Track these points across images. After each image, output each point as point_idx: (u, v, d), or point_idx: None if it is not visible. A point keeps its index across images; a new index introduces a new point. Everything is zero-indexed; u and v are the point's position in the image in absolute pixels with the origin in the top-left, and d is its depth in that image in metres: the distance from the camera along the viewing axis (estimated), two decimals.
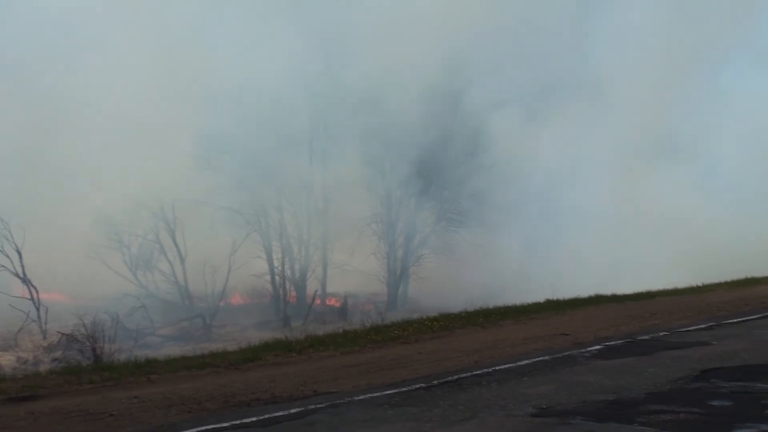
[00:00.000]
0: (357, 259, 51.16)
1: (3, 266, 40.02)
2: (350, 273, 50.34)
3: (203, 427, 11.53)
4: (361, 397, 13.01)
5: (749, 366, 14.30)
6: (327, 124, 51.06)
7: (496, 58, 52.39)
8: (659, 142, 51.20)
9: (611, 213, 47.88)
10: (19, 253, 40.18)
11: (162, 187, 43.87)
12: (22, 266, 40.44)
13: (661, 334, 17.96)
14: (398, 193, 54.44)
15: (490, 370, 14.69)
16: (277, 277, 50.47)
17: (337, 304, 50.29)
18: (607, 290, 27.10)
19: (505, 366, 15.00)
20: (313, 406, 12.51)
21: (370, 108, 48.75)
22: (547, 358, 15.59)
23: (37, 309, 39.59)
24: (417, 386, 13.66)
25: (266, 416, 12.05)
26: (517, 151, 50.86)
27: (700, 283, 28.85)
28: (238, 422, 11.74)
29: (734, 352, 15.53)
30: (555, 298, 25.58)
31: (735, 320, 19.60)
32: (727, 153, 50.73)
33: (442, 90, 50.95)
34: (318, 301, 50.02)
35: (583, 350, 16.22)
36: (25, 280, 40.54)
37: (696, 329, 18.44)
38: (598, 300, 25.00)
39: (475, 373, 14.48)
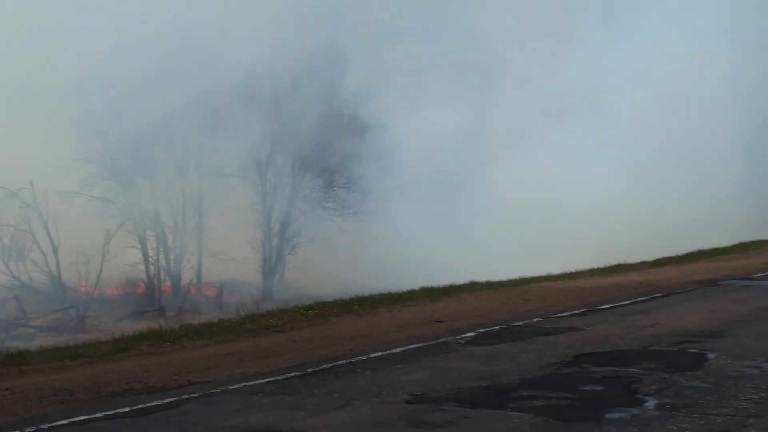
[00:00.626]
0: (232, 248, 50.88)
1: None
2: (225, 262, 50.03)
3: (76, 418, 11.35)
4: (235, 386, 12.93)
5: (620, 351, 14.54)
6: (201, 112, 50.66)
7: (374, 41, 52.30)
8: (552, 115, 51.29)
9: (504, 195, 48.00)
10: None
11: (34, 177, 43.27)
12: None
13: (534, 320, 18.17)
14: (273, 182, 54.29)
15: (364, 357, 14.71)
16: (151, 267, 50.04)
17: (213, 294, 50.04)
18: (499, 276, 27.40)
19: (380, 353, 15.03)
20: (186, 396, 12.40)
21: (245, 95, 48.52)
22: (421, 345, 15.65)
23: None
24: (291, 374, 13.62)
25: (139, 406, 11.91)
26: (399, 136, 50.87)
27: (573, 270, 29.25)
28: (111, 413, 11.58)
29: (606, 337, 15.78)
30: (430, 286, 25.70)
31: (607, 306, 19.92)
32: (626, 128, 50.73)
33: (317, 76, 50.89)
34: (193, 291, 49.69)
35: (457, 337, 16.32)
36: None
37: (569, 315, 18.68)
38: (472, 287, 25.19)
39: (350, 360, 14.49)
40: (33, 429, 10.86)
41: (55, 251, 45.74)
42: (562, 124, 50.36)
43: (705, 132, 48.84)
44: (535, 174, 47.68)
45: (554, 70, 50.90)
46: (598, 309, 19.48)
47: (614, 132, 49.31)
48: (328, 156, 54.97)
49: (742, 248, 35.75)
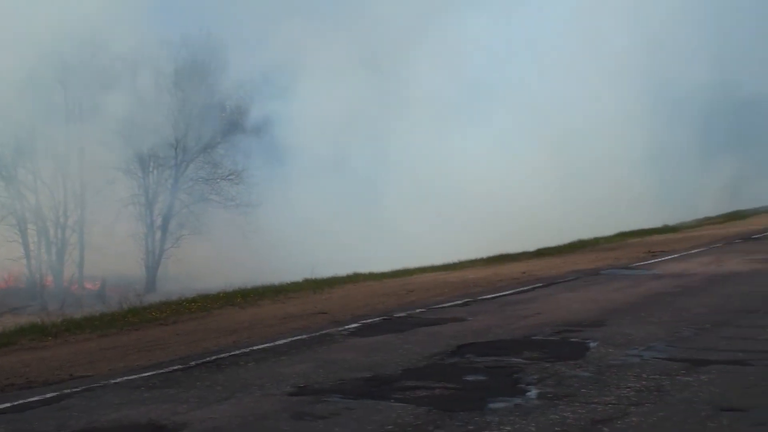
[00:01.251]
0: (115, 241, 50.44)
1: None
2: (108, 256, 49.54)
3: None
4: (118, 380, 12.78)
5: (502, 341, 14.64)
6: (83, 104, 50.07)
7: (256, 32, 52.11)
8: (440, 108, 51.42)
9: (397, 182, 48.08)
10: None
11: None
12: None
13: (417, 310, 18.22)
14: (156, 174, 53.91)
15: (248, 350, 14.63)
16: (33, 261, 49.34)
17: (95, 288, 49.51)
18: (392, 265, 27.47)
19: (264, 346, 14.96)
20: (68, 391, 12.22)
21: (126, 87, 48.08)
22: (304, 336, 15.62)
23: None
24: (174, 368, 13.49)
25: (21, 401, 11.71)
26: (284, 127, 50.74)
27: (456, 260, 29.43)
28: None
29: (488, 327, 15.89)
30: (313, 277, 25.68)
31: (489, 296, 20.06)
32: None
33: (200, 67, 50.60)
34: (75, 285, 49.13)
35: (340, 328, 16.32)
36: None
37: (452, 305, 18.77)
38: (356, 278, 25.22)
39: (233, 353, 14.40)
40: None
41: None
42: (454, 117, 50.61)
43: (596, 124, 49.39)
44: (426, 163, 47.88)
45: (437, 64, 51.16)
46: (481, 299, 19.62)
47: (507, 125, 49.66)
48: (210, 148, 54.73)
49: (621, 237, 36.30)
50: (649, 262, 26.53)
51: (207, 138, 54.20)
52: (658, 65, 53.26)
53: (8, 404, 11.60)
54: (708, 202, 50.94)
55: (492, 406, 10.63)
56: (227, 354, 14.36)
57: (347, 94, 50.89)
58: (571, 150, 47.86)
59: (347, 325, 16.73)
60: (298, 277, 25.85)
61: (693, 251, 29.21)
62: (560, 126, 49.07)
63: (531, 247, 31.86)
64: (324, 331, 16.10)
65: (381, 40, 51.78)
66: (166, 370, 13.39)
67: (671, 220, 43.44)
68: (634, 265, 25.88)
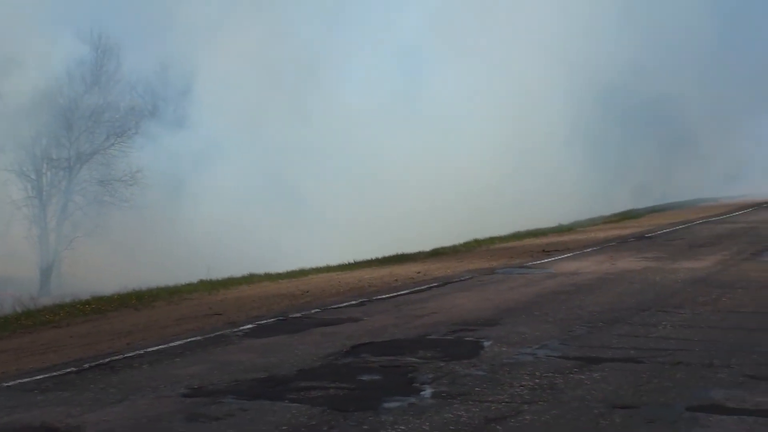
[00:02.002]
0: (8, 243, 49.76)
1: None
2: (2, 258, 48.84)
3: None
4: (10, 383, 12.58)
5: (397, 340, 14.68)
6: None
7: (151, 29, 51.69)
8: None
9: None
10: None
11: None
12: None
13: (313, 311, 18.20)
14: (49, 176, 53.27)
15: (142, 351, 14.49)
16: None
17: None
18: (287, 265, 27.42)
19: (158, 347, 14.83)
20: None
21: (17, 88, 47.44)
22: (199, 338, 15.51)
23: None
24: (68, 370, 13.31)
25: None
26: (179, 128, 50.38)
27: (352, 260, 29.45)
28: None
29: (383, 327, 15.92)
30: (209, 278, 25.55)
31: (385, 296, 20.09)
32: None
33: (92, 68, 50.10)
34: None
35: (235, 329, 16.23)
36: None
37: (347, 306, 18.78)
38: (251, 279, 25.13)
39: (127, 355, 14.25)
40: None
41: None
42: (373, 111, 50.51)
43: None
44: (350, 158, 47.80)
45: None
46: (376, 299, 19.65)
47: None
48: (104, 149, 54.22)
49: (517, 237, 36.60)
50: (544, 261, 26.78)
51: (101, 139, 53.75)
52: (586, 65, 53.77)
53: None
54: (608, 202, 51.52)
55: (386, 405, 10.66)
56: (121, 356, 14.21)
57: (253, 89, 50.68)
58: (485, 151, 48.02)
59: (242, 326, 16.65)
60: (196, 279, 25.70)
61: (587, 250, 29.55)
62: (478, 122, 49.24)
63: (427, 246, 31.99)
64: (219, 332, 16.00)
65: (293, 35, 51.63)
66: (60, 372, 13.21)
67: (566, 220, 43.89)
68: (529, 264, 26.11)
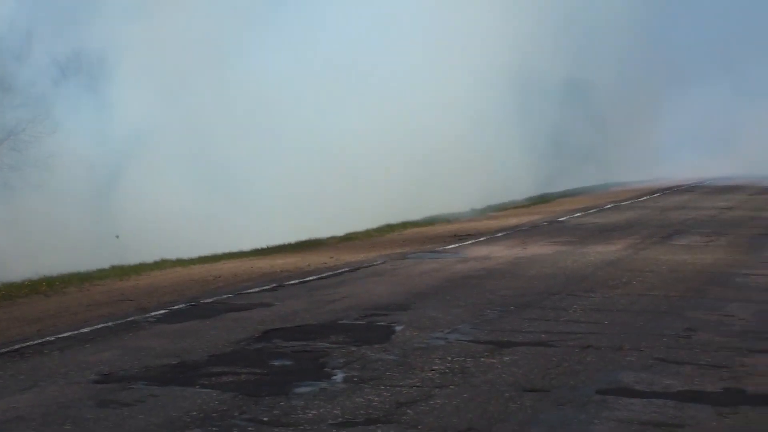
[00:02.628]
0: None
1: None
2: None
3: None
4: None
5: (309, 326, 14.68)
6: None
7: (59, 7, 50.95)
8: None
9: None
10: None
11: None
12: None
13: (224, 296, 18.11)
14: None
15: (52, 338, 14.32)
16: None
17: None
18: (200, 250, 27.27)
19: (69, 334, 14.66)
20: None
21: None
22: (110, 324, 15.36)
23: None
24: None
25: None
26: (92, 111, 49.71)
27: (264, 245, 29.36)
28: None
29: (295, 312, 15.90)
30: (120, 264, 25.32)
31: (297, 281, 20.05)
32: None
33: (6, 49, 49.42)
34: None
35: (146, 315, 16.10)
36: None
37: (259, 291, 18.72)
38: (163, 264, 24.95)
39: (37, 341, 14.07)
40: None
41: None
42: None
43: None
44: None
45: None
46: (288, 284, 19.60)
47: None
48: (15, 135, 53.49)
49: (429, 222, 36.73)
50: (456, 246, 26.88)
51: (12, 124, 53.00)
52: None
53: None
54: (521, 186, 51.70)
55: (298, 390, 10.67)
56: (31, 342, 14.03)
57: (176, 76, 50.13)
58: (408, 135, 47.85)
59: (154, 311, 16.52)
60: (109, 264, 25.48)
61: (499, 235, 29.72)
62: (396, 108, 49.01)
63: (339, 231, 31.99)
64: (130, 319, 15.87)
65: (219, 22, 51.08)
66: None
67: (479, 205, 44.03)
68: (441, 249, 26.21)
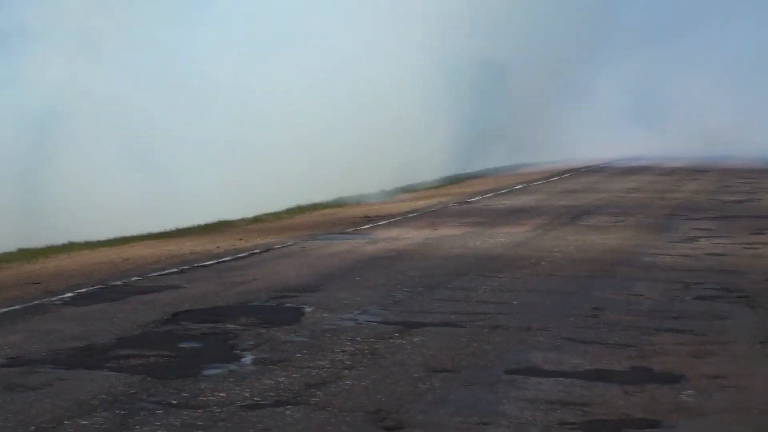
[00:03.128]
0: None
1: None
2: None
3: None
4: None
5: (218, 308, 14.63)
6: None
7: None
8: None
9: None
10: None
11: None
12: None
13: (133, 279, 17.97)
14: None
15: None
16: None
17: None
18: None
19: None
20: None
21: None
22: (17, 307, 15.15)
23: None
24: None
25: None
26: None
27: (173, 228, 29.13)
28: None
29: (204, 294, 15.83)
30: (28, 247, 24.98)
31: (206, 263, 19.95)
32: None
33: None
34: None
35: (54, 298, 15.90)
36: None
37: (168, 273, 18.59)
38: (71, 247, 24.65)
39: None
40: None
41: None
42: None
43: None
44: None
45: None
46: (197, 266, 19.49)
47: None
48: None
49: (339, 203, 36.70)
50: (366, 227, 26.90)
51: None
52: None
53: None
54: (432, 167, 51.68)
55: (207, 372, 10.65)
56: None
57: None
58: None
59: (61, 294, 16.33)
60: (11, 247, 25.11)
61: (408, 216, 29.79)
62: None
63: (249, 213, 31.82)
64: (37, 302, 15.67)
65: None
66: None
67: (390, 186, 44.01)
68: (351, 230, 26.21)
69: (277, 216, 32.02)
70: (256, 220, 30.79)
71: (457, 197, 36.96)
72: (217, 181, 41.82)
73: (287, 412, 9.29)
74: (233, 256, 21.04)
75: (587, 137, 67.34)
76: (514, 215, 29.20)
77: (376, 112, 48.84)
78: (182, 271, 18.82)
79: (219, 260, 20.44)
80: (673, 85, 76.86)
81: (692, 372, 10.92)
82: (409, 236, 24.20)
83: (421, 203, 34.87)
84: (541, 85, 68.00)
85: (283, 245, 22.93)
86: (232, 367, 10.94)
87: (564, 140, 65.93)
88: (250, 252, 21.77)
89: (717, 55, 76.13)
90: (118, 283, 17.51)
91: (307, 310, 14.37)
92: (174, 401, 9.63)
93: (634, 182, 42.32)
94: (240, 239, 24.54)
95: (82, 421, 9.12)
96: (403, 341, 12.22)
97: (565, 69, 70.60)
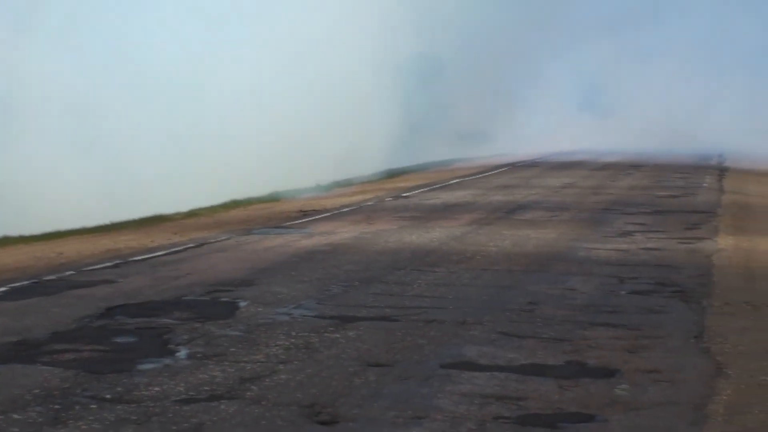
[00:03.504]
0: None
1: None
2: None
3: None
4: None
5: (153, 302, 14.55)
6: None
7: None
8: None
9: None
10: None
11: None
12: None
13: (67, 273, 17.82)
14: None
15: None
16: None
17: None
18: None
19: None
20: None
21: None
22: None
23: None
24: None
25: None
26: None
27: (109, 222, 28.94)
28: None
29: (139, 289, 15.75)
30: None
31: (141, 258, 19.83)
32: None
33: None
34: None
35: None
36: None
37: (103, 268, 18.46)
38: (5, 241, 24.46)
39: None
40: None
41: None
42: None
43: None
44: None
45: None
46: (132, 261, 19.37)
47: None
48: None
49: (275, 198, 36.63)
50: (302, 221, 26.86)
51: None
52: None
53: None
54: (368, 162, 51.64)
55: (141, 367, 10.62)
56: None
57: None
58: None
59: None
60: None
61: (344, 210, 29.78)
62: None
63: (183, 207, 31.65)
64: None
65: None
66: None
67: (326, 180, 43.96)
68: (286, 224, 26.16)
69: (212, 210, 31.90)
70: (192, 214, 30.65)
71: (393, 192, 36.99)
72: (153, 174, 41.56)
73: (222, 407, 9.29)
74: (168, 251, 20.93)
75: (532, 131, 67.37)
76: (449, 210, 29.28)
77: (311, 107, 48.78)
78: (117, 266, 18.69)
79: (154, 255, 20.32)
80: (631, 76, 76.56)
81: (627, 366, 11.05)
82: (345, 231, 24.20)
83: (357, 198, 34.88)
84: (486, 78, 67.88)
85: (219, 239, 22.85)
86: (167, 361, 10.91)
87: (506, 134, 65.88)
88: (185, 246, 21.67)
89: (678, 46, 75.79)
90: (53, 277, 17.37)
91: (242, 304, 14.36)
92: (108, 396, 9.59)
93: (569, 177, 42.56)
94: (175, 233, 24.43)
95: (15, 416, 9.06)
96: (338, 335, 12.24)
97: (514, 61, 70.40)
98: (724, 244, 22.14)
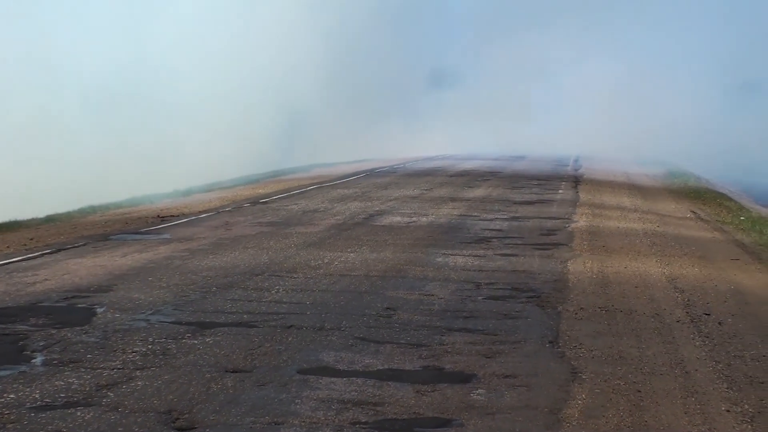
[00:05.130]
0: None
1: None
2: None
3: None
4: None
5: (8, 308, 14.35)
6: None
7: None
8: None
9: None
10: None
11: None
12: None
13: None
14: None
15: None
16: None
17: None
18: None
19: None
20: None
21: None
22: None
23: None
24: None
25: None
26: None
27: None
28: None
29: None
30: None
31: None
32: None
33: None
34: None
35: None
36: None
37: None
38: None
39: None
40: None
41: None
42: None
43: None
44: None
45: None
46: None
47: None
48: None
49: (133, 203, 36.28)
50: (160, 226, 26.66)
51: None
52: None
53: None
54: (227, 168, 51.40)
55: None
56: None
57: None
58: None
59: None
60: None
61: (202, 215, 29.63)
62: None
63: (40, 213, 31.18)
64: None
65: None
66: None
67: (184, 185, 43.62)
68: (144, 230, 25.95)
69: (69, 215, 31.47)
70: (49, 220, 30.18)
71: (252, 198, 36.91)
72: (8, 179, 40.83)
73: (78, 414, 9.24)
74: (24, 256, 20.62)
75: (404, 136, 67.44)
76: (308, 215, 29.34)
77: (173, 114, 48.51)
78: None
79: (9, 260, 19.99)
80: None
81: (483, 371, 11.26)
82: (203, 236, 24.11)
83: (216, 203, 34.72)
84: (370, 79, 67.91)
85: (75, 245, 22.58)
86: (22, 368, 10.80)
87: (374, 139, 65.92)
88: (42, 252, 21.37)
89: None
90: None
91: (99, 310, 14.25)
92: None
93: (426, 183, 42.91)
94: (31, 239, 24.06)
95: None
96: (196, 341, 12.24)
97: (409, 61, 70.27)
98: (580, 248, 22.61)
